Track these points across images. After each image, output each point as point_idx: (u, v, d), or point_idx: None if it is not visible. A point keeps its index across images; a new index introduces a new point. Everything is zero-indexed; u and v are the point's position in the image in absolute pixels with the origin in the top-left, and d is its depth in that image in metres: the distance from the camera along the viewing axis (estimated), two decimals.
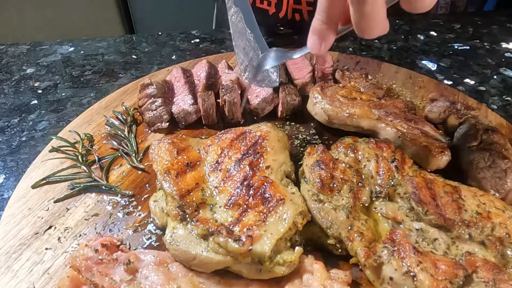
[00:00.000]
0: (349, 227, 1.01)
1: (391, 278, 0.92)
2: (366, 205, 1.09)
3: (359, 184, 1.11)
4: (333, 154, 1.22)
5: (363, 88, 1.56)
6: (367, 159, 1.18)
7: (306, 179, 1.15)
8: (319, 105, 1.44)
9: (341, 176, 1.11)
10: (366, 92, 1.53)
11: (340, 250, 1.04)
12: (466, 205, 1.05)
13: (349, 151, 1.21)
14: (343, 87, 1.53)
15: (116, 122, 1.52)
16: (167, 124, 1.50)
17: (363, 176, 1.14)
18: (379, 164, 1.16)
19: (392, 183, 1.12)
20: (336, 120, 1.41)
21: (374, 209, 1.10)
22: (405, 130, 1.34)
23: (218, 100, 1.53)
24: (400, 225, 1.05)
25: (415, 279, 0.89)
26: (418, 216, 1.05)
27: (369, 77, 1.65)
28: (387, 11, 0.86)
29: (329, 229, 1.02)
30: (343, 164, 1.15)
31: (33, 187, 1.27)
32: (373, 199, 1.11)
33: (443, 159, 1.24)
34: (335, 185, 1.09)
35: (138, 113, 1.57)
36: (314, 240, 1.07)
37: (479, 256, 0.96)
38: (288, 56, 1.20)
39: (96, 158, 1.36)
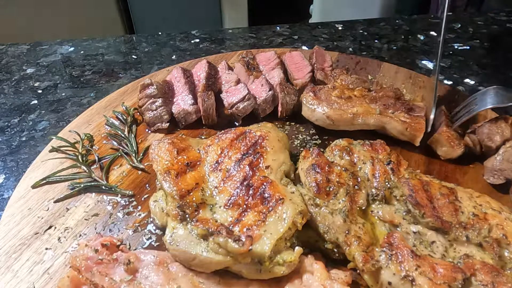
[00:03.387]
0: (347, 232, 1.00)
1: (389, 283, 0.92)
2: (363, 208, 1.09)
3: (355, 187, 1.11)
4: (328, 157, 1.21)
5: (351, 84, 1.55)
6: (362, 161, 1.18)
7: (301, 183, 1.15)
8: (319, 111, 1.41)
9: (337, 180, 1.10)
10: (355, 88, 1.52)
11: (337, 255, 1.03)
12: (463, 207, 1.05)
13: (344, 154, 1.20)
14: (333, 87, 1.51)
15: (116, 122, 1.52)
16: (167, 124, 1.50)
17: (359, 179, 1.13)
18: (375, 167, 1.16)
19: (388, 185, 1.12)
20: (342, 122, 1.40)
21: (371, 212, 1.09)
22: (409, 121, 1.36)
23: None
24: (397, 228, 1.05)
25: (413, 283, 0.89)
26: (415, 219, 1.05)
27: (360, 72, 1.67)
28: None
29: (326, 234, 1.02)
30: (339, 167, 1.14)
31: (33, 187, 1.27)
32: (370, 202, 1.11)
33: (458, 151, 1.33)
34: (331, 189, 1.08)
35: (138, 113, 1.57)
36: (311, 244, 1.07)
37: (477, 259, 0.96)
38: None
39: (96, 158, 1.36)
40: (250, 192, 1.06)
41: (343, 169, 1.14)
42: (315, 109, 1.43)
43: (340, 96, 1.45)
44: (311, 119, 1.46)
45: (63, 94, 1.85)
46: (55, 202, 1.23)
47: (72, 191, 1.25)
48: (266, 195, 1.04)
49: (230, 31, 2.42)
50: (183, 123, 1.52)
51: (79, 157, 1.35)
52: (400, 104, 1.42)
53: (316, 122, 1.45)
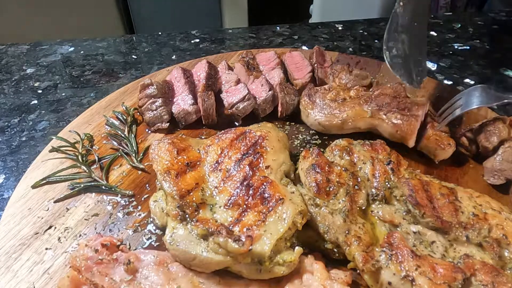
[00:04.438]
0: (347, 232, 1.01)
1: (389, 283, 0.91)
2: (363, 208, 1.09)
3: (356, 187, 1.11)
4: (328, 157, 1.21)
5: (349, 82, 1.54)
6: (362, 161, 1.18)
7: (301, 183, 1.15)
8: (311, 117, 1.44)
9: (337, 180, 1.10)
10: (353, 87, 1.51)
11: (337, 255, 1.03)
12: (463, 207, 1.05)
13: (344, 154, 1.20)
14: (329, 89, 1.51)
15: (116, 122, 1.52)
16: (167, 124, 1.50)
17: (359, 179, 1.13)
18: (375, 167, 1.16)
19: (388, 185, 1.12)
20: (333, 128, 1.42)
21: (371, 212, 1.09)
22: (401, 123, 1.33)
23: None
24: (397, 228, 1.05)
25: (413, 283, 0.89)
26: (415, 219, 1.05)
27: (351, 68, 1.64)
28: None
29: (326, 234, 1.02)
30: (339, 167, 1.15)
31: (33, 187, 1.27)
32: (370, 202, 1.11)
33: (450, 151, 1.31)
34: (331, 189, 1.08)
35: (138, 113, 1.57)
36: (311, 244, 1.07)
37: (477, 259, 0.96)
38: (503, 97, 1.24)
39: (96, 158, 1.36)
40: (250, 192, 1.06)
41: (343, 169, 1.14)
42: (309, 114, 1.46)
43: (334, 99, 1.45)
44: (307, 123, 1.50)
45: (63, 94, 1.85)
46: (55, 202, 1.23)
47: (72, 191, 1.25)
48: (266, 195, 1.04)
49: (230, 31, 2.42)
50: (183, 123, 1.52)
51: (79, 157, 1.35)
52: (395, 103, 1.39)
53: (311, 127, 1.49)
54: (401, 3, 1.42)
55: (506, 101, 1.27)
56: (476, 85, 1.82)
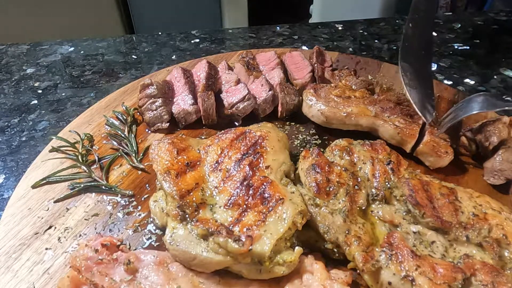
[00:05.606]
0: (347, 231, 1.00)
1: (389, 283, 0.92)
2: (363, 208, 1.09)
3: (356, 187, 1.11)
4: (328, 157, 1.21)
5: (355, 85, 1.56)
6: (362, 161, 1.18)
7: (301, 183, 1.15)
8: (315, 107, 1.44)
9: (337, 180, 1.10)
10: (358, 89, 1.53)
11: (337, 255, 1.03)
12: (463, 207, 1.05)
13: (344, 154, 1.20)
14: (335, 86, 1.52)
15: (116, 122, 1.52)
16: (167, 124, 1.50)
17: (359, 179, 1.13)
18: (375, 167, 1.16)
19: (388, 185, 1.12)
20: (335, 121, 1.42)
21: (371, 212, 1.09)
22: (403, 126, 1.35)
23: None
24: (397, 228, 1.05)
25: (413, 283, 0.89)
26: (415, 219, 1.05)
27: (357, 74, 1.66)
28: None
29: (326, 234, 1.02)
30: (339, 167, 1.15)
31: (33, 187, 1.27)
32: (370, 202, 1.11)
33: (446, 160, 1.29)
34: (331, 189, 1.08)
35: (138, 113, 1.57)
36: (311, 244, 1.07)
37: (477, 259, 0.96)
38: (503, 105, 1.24)
39: (96, 158, 1.36)
40: (250, 192, 1.06)
41: (343, 169, 1.14)
42: (312, 105, 1.45)
43: (339, 96, 1.46)
44: (308, 115, 1.49)
45: (63, 94, 1.85)
46: (55, 202, 1.23)
47: (72, 191, 1.25)
48: (266, 195, 1.04)
49: (230, 31, 2.42)
50: (183, 123, 1.52)
51: (79, 157, 1.35)
52: (399, 109, 1.41)
53: (312, 118, 1.48)
54: (410, 25, 1.45)
55: (506, 108, 1.27)
56: (477, 86, 1.83)
